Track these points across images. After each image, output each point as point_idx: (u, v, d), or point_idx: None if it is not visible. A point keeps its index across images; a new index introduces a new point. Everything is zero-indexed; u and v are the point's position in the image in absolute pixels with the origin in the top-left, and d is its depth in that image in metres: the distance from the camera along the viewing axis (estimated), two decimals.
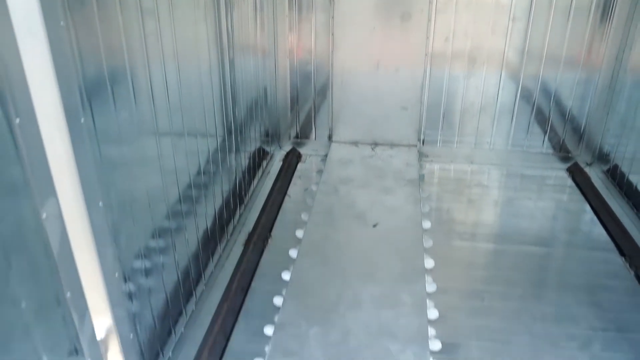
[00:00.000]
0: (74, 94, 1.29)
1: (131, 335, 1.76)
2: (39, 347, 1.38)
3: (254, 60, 3.41)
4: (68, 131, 1.25)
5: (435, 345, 2.26)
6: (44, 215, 1.21)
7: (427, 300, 2.42)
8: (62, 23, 1.24)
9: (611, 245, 3.03)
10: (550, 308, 2.53)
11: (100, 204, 1.48)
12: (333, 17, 3.67)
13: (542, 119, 3.88)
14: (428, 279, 2.64)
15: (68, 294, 1.39)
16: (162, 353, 2.11)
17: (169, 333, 2.19)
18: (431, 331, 2.31)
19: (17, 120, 1.17)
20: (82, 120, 1.34)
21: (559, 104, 3.82)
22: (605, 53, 3.61)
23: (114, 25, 1.56)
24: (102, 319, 1.60)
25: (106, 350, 1.64)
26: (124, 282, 1.72)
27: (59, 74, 1.20)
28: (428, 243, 2.95)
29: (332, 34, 3.72)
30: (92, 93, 1.41)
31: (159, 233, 2.03)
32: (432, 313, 2.42)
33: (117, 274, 1.62)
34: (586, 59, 3.65)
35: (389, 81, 3.80)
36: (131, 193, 1.77)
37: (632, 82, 3.47)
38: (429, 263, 2.76)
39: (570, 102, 3.80)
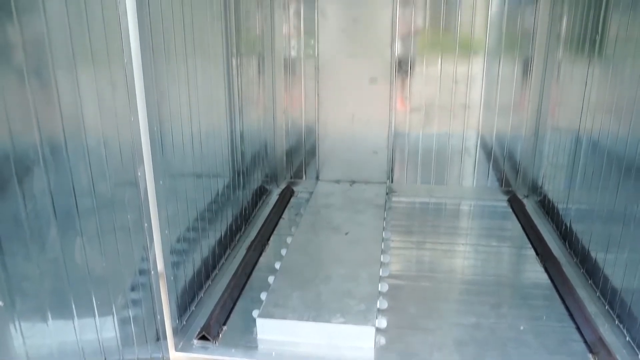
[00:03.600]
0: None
1: (172, 277, 2.67)
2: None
3: (256, 117, 4.45)
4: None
5: (383, 304, 3.14)
6: (139, 173, 2.20)
7: (379, 279, 3.31)
8: None
9: (532, 250, 3.94)
10: (475, 286, 3.41)
11: (161, 182, 2.46)
12: (318, 82, 4.75)
13: (486, 159, 4.86)
14: (383, 268, 3.54)
15: (146, 225, 2.35)
16: (189, 307, 3.00)
17: (194, 296, 3.08)
18: (380, 298, 3.19)
19: None
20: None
21: (500, 147, 4.81)
22: (529, 104, 4.63)
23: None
24: (159, 265, 2.53)
25: (159, 285, 2.55)
26: (170, 254, 2.65)
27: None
28: (386, 246, 3.86)
29: (318, 95, 4.79)
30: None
31: (192, 228, 2.99)
32: (383, 286, 3.31)
33: (167, 231, 2.56)
34: (516, 109, 4.67)
35: (362, 131, 4.84)
36: (176, 190, 2.74)
37: (551, 128, 4.45)
38: (385, 258, 3.67)
39: (506, 146, 4.80)
